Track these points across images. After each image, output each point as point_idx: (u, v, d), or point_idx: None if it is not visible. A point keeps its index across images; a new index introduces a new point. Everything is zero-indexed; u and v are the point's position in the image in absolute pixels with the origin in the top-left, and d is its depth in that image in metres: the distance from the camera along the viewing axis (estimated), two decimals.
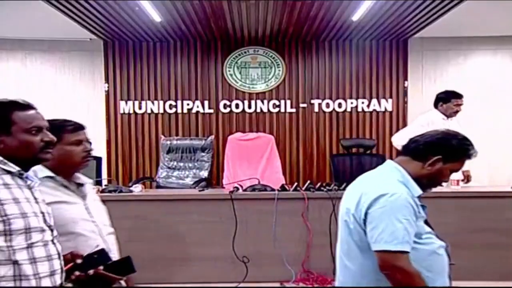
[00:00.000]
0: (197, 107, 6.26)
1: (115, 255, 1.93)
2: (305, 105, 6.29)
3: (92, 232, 1.87)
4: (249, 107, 6.27)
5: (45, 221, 1.54)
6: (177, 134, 6.19)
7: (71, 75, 6.38)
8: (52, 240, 1.55)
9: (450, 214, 3.91)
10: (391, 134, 6.28)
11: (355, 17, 5.05)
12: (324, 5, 4.72)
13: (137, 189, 3.97)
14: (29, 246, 1.45)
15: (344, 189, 3.94)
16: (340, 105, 6.29)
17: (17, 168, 1.52)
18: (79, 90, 6.38)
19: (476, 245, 3.87)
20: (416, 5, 4.66)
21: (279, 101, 6.28)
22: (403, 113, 6.32)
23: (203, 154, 5.49)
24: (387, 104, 6.29)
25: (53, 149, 1.63)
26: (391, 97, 6.30)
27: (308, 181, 4.09)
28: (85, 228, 1.86)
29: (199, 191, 4.09)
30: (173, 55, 6.27)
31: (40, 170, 1.83)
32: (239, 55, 6.28)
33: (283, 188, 3.94)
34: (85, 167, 2.00)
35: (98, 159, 5.09)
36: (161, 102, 6.25)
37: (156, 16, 4.93)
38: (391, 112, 6.31)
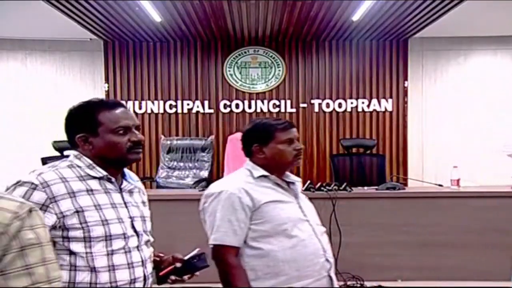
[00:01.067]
0: (197, 107, 6.26)
1: (330, 257, 1.87)
2: (305, 105, 6.29)
3: (307, 233, 1.83)
4: (249, 107, 6.27)
5: (133, 226, 1.50)
6: (177, 134, 6.19)
7: (71, 75, 6.38)
8: (138, 247, 1.50)
9: (450, 214, 3.92)
10: (391, 134, 6.29)
11: (355, 17, 5.05)
12: (324, 5, 4.72)
13: None
14: (109, 254, 1.42)
15: (344, 189, 3.97)
16: (340, 105, 6.29)
17: (104, 173, 1.49)
18: (79, 90, 6.38)
19: (476, 245, 3.88)
20: (416, 5, 4.66)
21: (279, 101, 6.28)
22: (403, 113, 6.32)
23: (203, 154, 5.49)
24: (387, 104, 6.29)
25: (140, 148, 1.60)
26: (391, 97, 6.30)
27: (308, 181, 4.09)
28: (302, 229, 1.83)
29: (199, 191, 4.09)
30: (173, 55, 6.27)
31: (255, 169, 1.89)
32: (239, 55, 6.28)
33: None
34: (297, 165, 2.01)
35: None
36: (161, 102, 6.25)
37: (156, 16, 4.93)
38: (391, 112, 6.31)
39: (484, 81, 6.34)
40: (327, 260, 1.85)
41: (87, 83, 6.38)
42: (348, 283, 3.74)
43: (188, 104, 6.26)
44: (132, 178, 1.60)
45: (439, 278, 3.81)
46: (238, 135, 5.68)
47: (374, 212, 3.92)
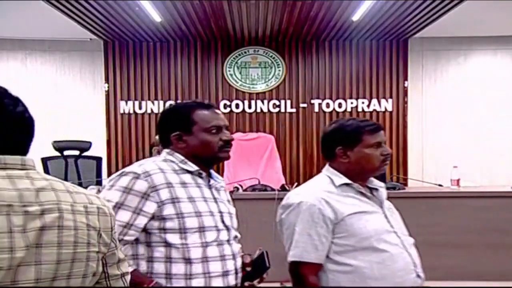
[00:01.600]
0: None
1: (420, 272, 1.69)
2: (305, 105, 6.29)
3: (396, 246, 1.66)
4: (249, 107, 6.27)
5: (222, 221, 1.56)
6: None
7: (71, 75, 6.38)
8: (228, 241, 1.56)
9: (450, 214, 3.92)
10: (391, 134, 6.29)
11: (355, 17, 5.05)
12: (324, 5, 4.72)
13: None
14: (203, 245, 1.48)
15: None
16: (340, 105, 6.29)
17: (196, 168, 1.57)
18: (79, 90, 6.38)
19: (476, 245, 3.88)
20: (416, 5, 4.66)
21: (279, 101, 6.28)
22: (403, 113, 6.32)
23: None
24: (387, 104, 6.29)
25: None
26: (391, 97, 6.30)
27: None
28: (389, 242, 1.66)
29: None
30: (173, 55, 6.27)
31: (336, 177, 1.73)
32: (239, 55, 6.28)
33: (283, 188, 3.95)
34: (382, 171, 1.81)
35: (98, 159, 5.10)
36: (161, 102, 6.25)
37: (156, 16, 4.93)
38: (391, 112, 6.31)
39: (484, 81, 6.34)
40: (418, 276, 1.67)
41: (87, 83, 6.38)
42: None
43: None
44: (217, 177, 1.65)
45: (439, 278, 3.80)
46: (238, 135, 5.66)
47: None
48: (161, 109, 6.24)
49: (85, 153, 5.07)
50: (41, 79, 6.33)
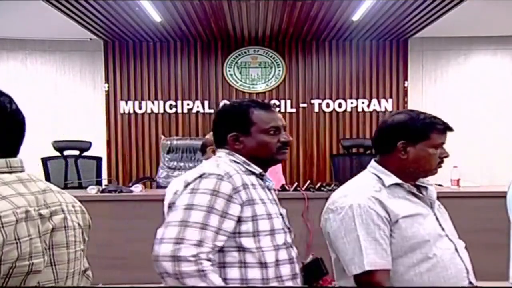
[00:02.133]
0: (197, 107, 6.26)
1: (473, 278, 1.59)
2: (305, 105, 6.29)
3: (448, 251, 1.54)
4: None
5: (284, 222, 1.53)
6: (177, 134, 6.18)
7: (71, 75, 6.38)
8: (292, 243, 1.53)
9: (450, 214, 3.92)
10: None
11: (355, 17, 5.05)
12: (324, 5, 4.72)
13: (137, 189, 3.97)
14: (275, 249, 1.43)
15: None
16: (340, 105, 6.29)
17: (259, 170, 1.52)
18: (79, 90, 6.39)
19: (475, 245, 3.84)
20: (416, 5, 4.66)
21: (279, 101, 6.28)
22: None
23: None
24: (387, 104, 6.29)
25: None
26: (391, 97, 6.30)
27: (308, 181, 4.09)
28: (441, 247, 1.53)
29: None
30: (173, 55, 6.27)
31: (385, 175, 1.59)
32: (239, 55, 6.28)
33: (283, 188, 3.94)
34: (434, 175, 1.66)
35: (98, 159, 5.10)
36: (161, 102, 6.25)
37: (156, 16, 4.93)
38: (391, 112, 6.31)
39: (484, 81, 6.35)
40: (470, 283, 1.56)
41: (87, 83, 6.38)
42: None
43: (188, 104, 6.27)
44: (269, 178, 1.60)
45: None
46: None
47: None
48: (161, 109, 6.26)
49: (85, 153, 5.08)
50: (41, 79, 6.33)
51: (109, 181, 5.41)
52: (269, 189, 1.55)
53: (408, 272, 1.49)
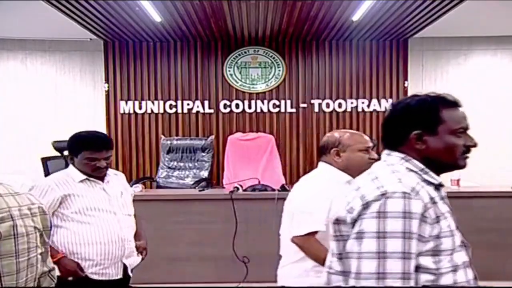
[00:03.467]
0: (197, 107, 6.26)
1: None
2: (305, 105, 6.29)
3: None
4: (249, 107, 6.27)
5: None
6: (177, 134, 6.19)
7: (71, 75, 6.39)
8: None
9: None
10: None
11: (355, 17, 5.05)
12: (324, 5, 4.72)
13: (137, 189, 3.97)
14: (453, 270, 1.27)
15: None
16: (340, 105, 6.29)
17: (439, 180, 1.34)
18: (80, 90, 6.39)
19: (476, 245, 3.86)
20: (416, 5, 4.66)
21: (279, 101, 6.28)
22: None
23: (203, 154, 5.49)
24: (387, 104, 6.28)
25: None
26: (391, 97, 6.30)
27: None
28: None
29: (199, 191, 4.09)
30: (173, 55, 6.27)
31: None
32: (239, 55, 6.28)
33: (283, 188, 3.95)
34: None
35: None
36: (161, 102, 6.26)
37: (156, 16, 4.93)
38: None
39: (484, 81, 6.35)
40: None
41: (87, 83, 6.38)
42: None
43: (188, 104, 6.27)
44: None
45: None
46: (238, 135, 5.62)
47: None
48: (161, 109, 6.25)
49: None
50: (41, 79, 6.33)
51: None
52: (442, 199, 1.37)
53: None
